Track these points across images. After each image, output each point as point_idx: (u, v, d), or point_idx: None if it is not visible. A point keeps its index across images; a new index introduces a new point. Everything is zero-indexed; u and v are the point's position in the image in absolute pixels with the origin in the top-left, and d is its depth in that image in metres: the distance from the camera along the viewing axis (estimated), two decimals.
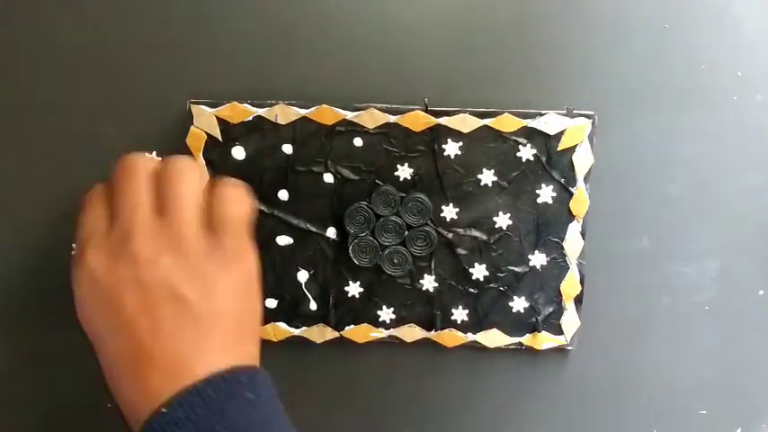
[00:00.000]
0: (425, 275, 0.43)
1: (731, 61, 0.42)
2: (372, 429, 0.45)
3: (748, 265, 0.44)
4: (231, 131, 0.41)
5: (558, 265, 0.43)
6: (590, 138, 0.41)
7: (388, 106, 0.41)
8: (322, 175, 0.42)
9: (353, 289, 0.43)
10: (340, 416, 0.45)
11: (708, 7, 0.42)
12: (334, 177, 0.42)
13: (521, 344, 0.44)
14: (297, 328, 0.43)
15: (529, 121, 0.41)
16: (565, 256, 0.43)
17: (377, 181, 0.42)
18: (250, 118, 0.41)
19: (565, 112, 0.41)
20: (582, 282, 0.43)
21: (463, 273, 0.43)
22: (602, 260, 0.43)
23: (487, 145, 0.41)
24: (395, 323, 0.43)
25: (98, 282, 0.32)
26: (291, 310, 0.43)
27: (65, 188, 0.42)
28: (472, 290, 0.43)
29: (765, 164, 0.43)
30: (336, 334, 0.43)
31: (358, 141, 0.41)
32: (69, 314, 0.44)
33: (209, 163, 0.41)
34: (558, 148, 0.41)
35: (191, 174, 0.34)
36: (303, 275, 0.43)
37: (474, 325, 0.43)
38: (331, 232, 0.42)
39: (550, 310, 0.43)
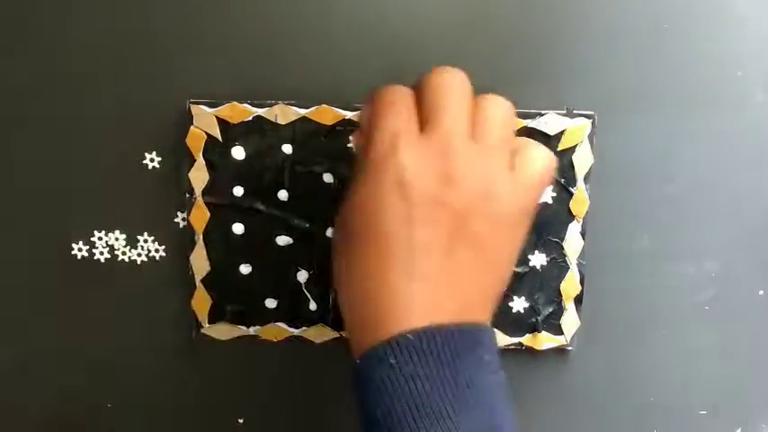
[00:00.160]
0: None
1: (731, 61, 0.42)
2: None
3: (748, 265, 0.44)
4: (231, 131, 0.41)
5: (558, 265, 0.43)
6: (590, 138, 0.41)
7: None
8: (322, 175, 0.42)
9: None
10: (340, 416, 0.45)
11: (708, 7, 0.42)
12: (334, 177, 0.42)
13: (521, 344, 0.44)
14: (297, 328, 0.43)
15: (529, 121, 0.41)
16: (565, 256, 0.43)
17: None
18: (250, 118, 0.41)
19: (565, 112, 0.41)
20: (582, 282, 0.43)
21: None
22: (602, 260, 0.43)
23: None
24: None
25: (405, 184, 0.30)
26: (291, 310, 0.43)
27: (65, 188, 0.42)
28: None
29: (765, 164, 0.43)
30: (336, 334, 0.43)
31: None
32: (69, 314, 0.44)
33: (208, 163, 0.41)
34: (558, 148, 0.41)
35: (505, 106, 0.33)
36: (303, 275, 0.43)
37: None
38: (331, 232, 0.42)
39: (550, 310, 0.43)
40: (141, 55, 0.41)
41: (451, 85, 0.32)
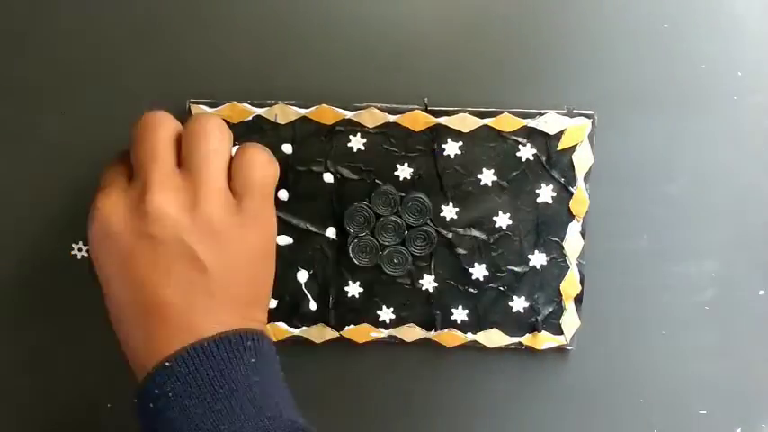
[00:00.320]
0: (425, 275, 0.43)
1: (731, 61, 0.42)
2: (372, 429, 0.45)
3: (748, 265, 0.44)
4: (231, 131, 0.41)
5: (558, 265, 0.43)
6: (590, 138, 0.41)
7: (388, 106, 0.41)
8: (322, 174, 0.42)
9: (353, 289, 0.43)
10: (340, 416, 0.45)
11: (708, 7, 0.42)
12: (334, 177, 0.42)
13: (521, 344, 0.44)
14: (297, 328, 0.43)
15: (529, 120, 0.41)
16: (565, 255, 0.43)
17: (377, 181, 0.42)
18: (250, 118, 0.41)
19: (565, 111, 0.41)
20: (582, 282, 0.43)
21: (463, 272, 0.43)
22: (602, 260, 0.43)
23: (487, 145, 0.41)
24: (395, 323, 0.43)
25: (113, 233, 0.31)
26: (291, 310, 0.43)
27: (64, 187, 0.42)
28: (472, 290, 0.43)
29: (765, 164, 0.43)
30: (336, 334, 0.43)
31: (358, 141, 0.41)
32: (69, 314, 0.44)
33: None
34: (558, 148, 0.41)
35: (217, 132, 0.33)
36: (303, 275, 0.43)
37: (474, 325, 0.43)
38: (331, 232, 0.42)
39: (550, 309, 0.43)
40: (141, 55, 0.41)
41: (150, 125, 0.33)
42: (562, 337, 0.44)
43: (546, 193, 0.42)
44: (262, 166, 0.34)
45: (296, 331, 0.43)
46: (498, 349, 0.44)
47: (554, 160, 0.41)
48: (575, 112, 0.41)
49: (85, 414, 0.45)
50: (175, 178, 0.32)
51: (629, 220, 0.43)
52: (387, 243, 0.42)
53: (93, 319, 0.44)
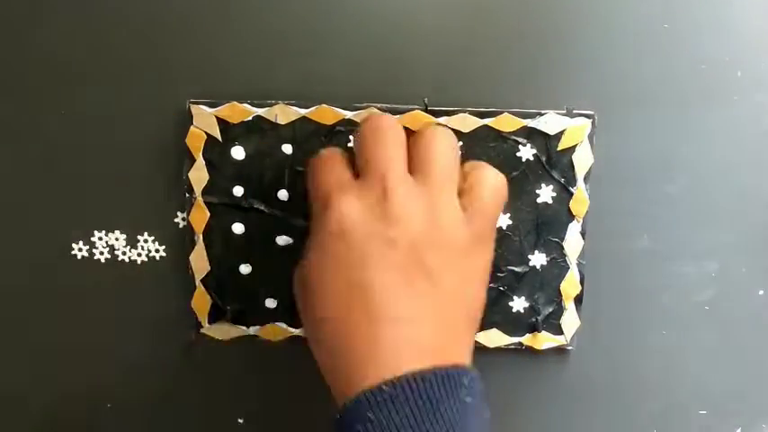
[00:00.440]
0: None
1: (731, 61, 0.42)
2: None
3: (748, 265, 0.44)
4: (231, 131, 0.41)
5: (558, 265, 0.43)
6: (590, 138, 0.41)
7: (388, 106, 0.41)
8: None
9: None
10: None
11: (708, 7, 0.42)
12: None
13: (521, 344, 0.44)
14: (297, 327, 0.43)
15: (529, 120, 0.41)
16: (565, 255, 0.43)
17: None
18: (250, 118, 0.41)
19: (565, 111, 0.41)
20: (582, 282, 0.43)
21: None
22: (602, 260, 0.43)
23: (487, 145, 0.41)
24: None
25: (347, 231, 0.30)
26: (291, 310, 0.43)
27: (65, 187, 0.42)
28: None
29: (765, 164, 0.43)
30: None
31: None
32: (69, 314, 0.44)
33: (208, 163, 0.41)
34: (558, 148, 0.41)
35: (446, 138, 0.33)
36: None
37: None
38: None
39: (550, 310, 0.43)
40: (141, 55, 0.41)
41: (381, 128, 0.32)
42: (562, 337, 0.44)
43: (546, 193, 0.42)
44: (495, 187, 0.33)
45: (296, 331, 0.43)
46: (498, 349, 0.44)
47: (554, 160, 0.41)
48: (575, 112, 0.41)
49: (85, 414, 0.45)
50: (411, 184, 0.31)
51: (629, 220, 0.43)
52: None
53: (93, 318, 0.44)
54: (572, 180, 0.42)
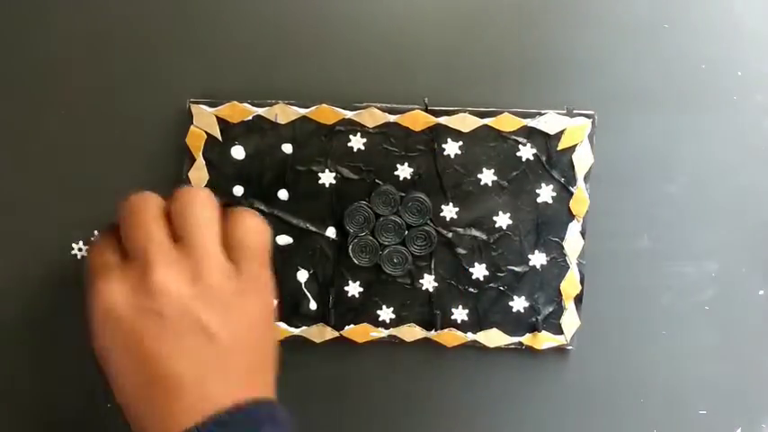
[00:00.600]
0: (425, 275, 0.43)
1: (731, 61, 0.42)
2: (372, 429, 0.45)
3: (748, 265, 0.44)
4: (231, 131, 0.41)
5: (558, 265, 0.43)
6: (590, 137, 0.41)
7: (388, 106, 0.41)
8: (322, 174, 0.42)
9: (353, 289, 0.43)
10: (340, 416, 0.45)
11: (708, 7, 0.42)
12: (334, 177, 0.42)
13: (521, 344, 0.44)
14: (297, 327, 0.43)
15: (529, 120, 0.41)
16: (565, 255, 0.43)
17: (377, 181, 0.42)
18: (250, 117, 0.41)
19: (565, 111, 0.41)
20: (582, 282, 0.43)
21: (463, 272, 0.43)
22: (602, 260, 0.43)
23: (487, 144, 0.41)
24: (395, 323, 0.43)
25: (118, 315, 0.31)
26: (291, 310, 0.43)
27: (65, 188, 0.42)
28: (472, 290, 0.43)
29: (765, 164, 0.43)
30: (336, 334, 0.43)
31: (358, 141, 0.41)
32: (69, 314, 0.44)
33: (208, 162, 0.41)
34: (558, 148, 0.41)
35: (204, 200, 0.33)
36: (303, 275, 0.43)
37: (474, 325, 0.43)
38: (331, 232, 0.42)
39: (550, 309, 0.43)
40: (141, 55, 0.41)
41: (135, 208, 0.33)
42: (562, 337, 0.44)
43: (546, 193, 0.42)
44: (256, 231, 0.34)
45: (296, 331, 0.43)
46: (498, 349, 0.44)
47: (554, 160, 0.41)
48: (575, 112, 0.41)
49: (85, 414, 0.45)
50: (173, 253, 0.32)
51: (629, 220, 0.43)
52: (387, 243, 0.42)
53: None
54: (572, 180, 0.42)
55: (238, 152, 0.41)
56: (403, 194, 0.42)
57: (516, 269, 0.43)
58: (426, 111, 0.41)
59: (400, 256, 0.42)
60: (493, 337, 0.43)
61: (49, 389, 0.45)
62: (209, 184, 0.41)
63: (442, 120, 0.41)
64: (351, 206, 0.42)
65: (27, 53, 0.41)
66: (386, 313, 0.43)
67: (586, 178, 0.42)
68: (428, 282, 0.43)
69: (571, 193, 0.42)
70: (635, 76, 0.42)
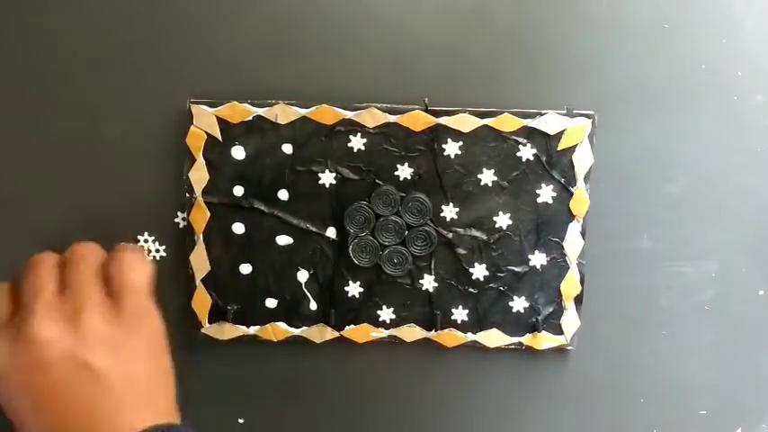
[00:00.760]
0: (425, 275, 0.43)
1: (731, 61, 0.42)
2: (372, 429, 0.45)
3: (748, 265, 0.44)
4: (231, 131, 0.41)
5: (558, 265, 0.43)
6: (590, 138, 0.41)
7: (388, 106, 0.41)
8: (322, 174, 0.42)
9: (353, 289, 0.43)
10: (340, 416, 0.45)
11: (708, 7, 0.42)
12: (335, 177, 0.42)
13: (521, 344, 0.44)
14: (297, 327, 0.43)
15: (529, 120, 0.41)
16: (565, 255, 0.43)
17: (377, 181, 0.42)
18: (250, 117, 0.41)
19: (565, 112, 0.41)
20: (582, 282, 0.43)
21: (463, 272, 0.43)
22: (602, 260, 0.43)
23: (487, 145, 0.41)
24: (395, 323, 0.43)
25: (6, 370, 0.32)
26: (291, 310, 0.43)
27: (65, 188, 0.42)
28: (472, 290, 0.43)
29: (765, 164, 0.43)
30: (336, 334, 0.43)
31: (358, 141, 0.41)
32: None
33: (208, 163, 0.41)
34: (558, 148, 0.41)
35: (89, 253, 0.35)
36: (303, 275, 0.43)
37: (474, 325, 0.43)
38: (331, 232, 0.42)
39: (550, 309, 0.43)
40: (141, 55, 0.41)
41: (30, 264, 0.35)
42: (562, 337, 0.44)
43: (546, 193, 0.42)
44: (135, 267, 0.36)
45: (296, 331, 0.43)
46: (498, 349, 0.44)
47: (554, 160, 0.41)
48: (575, 112, 0.41)
49: None
50: (56, 302, 0.33)
51: (629, 220, 0.43)
52: (387, 243, 0.42)
53: None
54: (572, 180, 0.42)
55: (238, 152, 0.41)
56: (403, 195, 0.42)
57: (516, 269, 0.43)
58: (426, 111, 0.41)
59: (400, 257, 0.42)
60: (493, 338, 0.43)
61: None
62: (210, 185, 0.41)
63: (442, 120, 0.41)
64: (351, 206, 0.42)
65: (27, 53, 0.41)
66: (386, 313, 0.43)
67: (586, 178, 0.42)
68: (428, 282, 0.43)
69: (571, 194, 0.42)
70: (635, 76, 0.42)
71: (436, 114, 0.41)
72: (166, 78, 0.41)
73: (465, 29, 0.42)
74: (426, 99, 0.41)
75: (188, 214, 0.42)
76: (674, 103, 0.42)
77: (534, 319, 0.43)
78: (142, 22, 0.41)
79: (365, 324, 0.43)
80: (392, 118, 0.41)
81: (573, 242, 0.43)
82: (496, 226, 0.42)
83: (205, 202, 0.41)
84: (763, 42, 0.42)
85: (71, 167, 0.42)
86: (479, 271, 0.43)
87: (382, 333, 0.43)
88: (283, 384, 0.45)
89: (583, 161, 0.42)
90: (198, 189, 0.41)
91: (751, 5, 0.42)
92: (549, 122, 0.41)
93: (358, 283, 0.43)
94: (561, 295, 0.43)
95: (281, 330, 0.43)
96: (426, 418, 0.45)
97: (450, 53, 0.42)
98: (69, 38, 0.41)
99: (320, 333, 0.43)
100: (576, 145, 0.41)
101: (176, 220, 0.43)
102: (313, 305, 0.43)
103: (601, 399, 0.45)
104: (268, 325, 0.43)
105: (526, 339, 0.43)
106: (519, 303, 0.43)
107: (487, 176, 0.42)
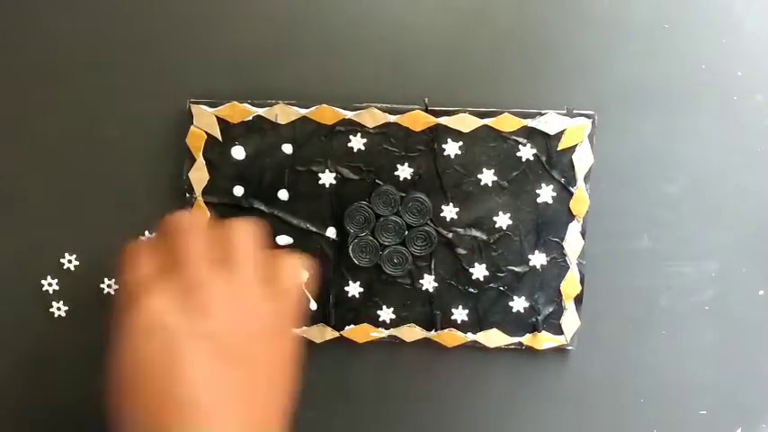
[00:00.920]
0: (425, 275, 0.43)
1: (731, 61, 0.42)
2: (372, 429, 0.45)
3: (748, 265, 0.44)
4: (231, 131, 0.41)
5: (558, 265, 0.43)
6: (590, 138, 0.41)
7: (388, 106, 0.41)
8: (322, 174, 0.42)
9: (353, 289, 0.43)
10: (340, 416, 0.45)
11: (708, 7, 0.42)
12: (335, 177, 0.42)
13: (521, 344, 0.44)
14: (296, 328, 0.43)
15: (529, 120, 0.41)
16: (565, 255, 0.43)
17: (377, 181, 0.42)
18: (250, 117, 0.41)
19: (565, 112, 0.41)
20: (582, 282, 0.43)
21: (463, 272, 0.43)
22: (602, 260, 0.43)
23: (487, 145, 0.41)
24: (395, 323, 0.43)
25: (163, 328, 0.30)
26: None
27: (65, 188, 0.42)
28: (472, 290, 0.43)
29: (765, 164, 0.43)
30: (336, 334, 0.43)
31: (358, 141, 0.41)
32: (69, 313, 0.44)
33: (208, 163, 0.41)
34: (558, 148, 0.41)
35: (246, 230, 0.33)
36: (303, 275, 0.43)
37: (474, 325, 0.43)
38: (331, 232, 0.42)
39: (550, 309, 0.43)
40: (141, 55, 0.41)
41: (182, 226, 0.33)
42: (562, 337, 0.44)
43: (546, 193, 0.42)
44: (295, 272, 0.35)
45: (296, 331, 0.43)
46: (498, 349, 0.44)
47: (554, 160, 0.41)
48: (575, 112, 0.41)
49: (86, 414, 0.45)
50: (216, 278, 0.32)
51: (629, 220, 0.43)
52: (387, 243, 0.42)
53: (92, 317, 0.44)
54: (572, 180, 0.42)
55: (238, 152, 0.41)
56: (403, 195, 0.42)
57: (516, 269, 0.43)
58: (426, 111, 0.41)
59: (400, 257, 0.42)
60: (493, 338, 0.43)
61: (50, 391, 0.45)
62: (210, 185, 0.41)
63: (442, 120, 0.41)
64: (351, 206, 0.42)
65: (27, 53, 0.41)
66: (386, 313, 0.43)
67: (586, 178, 0.42)
68: (428, 282, 0.43)
69: (571, 194, 0.42)
70: (635, 76, 0.42)
71: (436, 114, 0.41)
72: (166, 78, 0.41)
73: (465, 29, 0.42)
74: (426, 99, 0.41)
75: None
76: (674, 103, 0.42)
77: (534, 319, 0.43)
78: (142, 22, 0.41)
79: (365, 324, 0.43)
80: (392, 118, 0.41)
81: (573, 242, 0.43)
82: (496, 226, 0.42)
83: (205, 202, 0.41)
84: (763, 42, 0.42)
85: (71, 167, 0.42)
86: (479, 271, 0.43)
87: (382, 333, 0.43)
88: None
89: (583, 161, 0.42)
90: (198, 189, 0.41)
91: (751, 5, 0.42)
92: (549, 122, 0.41)
93: (358, 282, 0.43)
94: (561, 295, 0.43)
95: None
96: (426, 418, 0.45)
97: (449, 53, 0.42)
98: (69, 38, 0.41)
99: (320, 333, 0.43)
100: (576, 145, 0.41)
101: None
102: (313, 305, 0.43)
103: (601, 399, 0.45)
104: None
105: (526, 339, 0.43)
106: (519, 303, 0.43)
107: (487, 176, 0.42)
